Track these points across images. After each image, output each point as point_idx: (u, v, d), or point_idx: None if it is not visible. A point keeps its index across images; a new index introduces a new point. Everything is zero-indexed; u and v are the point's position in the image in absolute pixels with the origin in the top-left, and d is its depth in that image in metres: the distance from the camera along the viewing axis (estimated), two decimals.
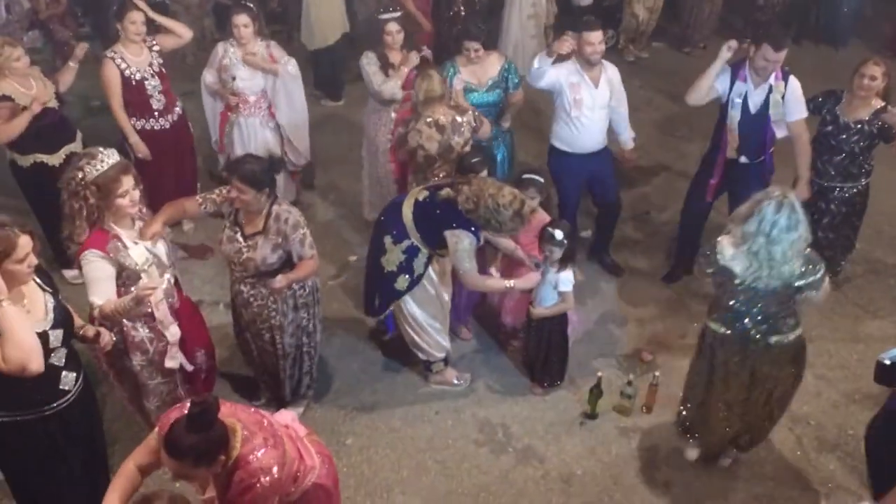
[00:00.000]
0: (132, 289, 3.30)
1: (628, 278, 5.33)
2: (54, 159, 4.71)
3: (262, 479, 2.48)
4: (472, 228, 3.82)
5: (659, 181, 6.33)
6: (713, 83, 4.54)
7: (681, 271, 5.22)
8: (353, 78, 5.23)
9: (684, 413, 3.94)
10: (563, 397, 4.42)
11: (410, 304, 4.11)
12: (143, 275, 3.33)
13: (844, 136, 4.61)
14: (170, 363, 3.55)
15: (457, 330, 4.71)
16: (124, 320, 3.38)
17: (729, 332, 3.51)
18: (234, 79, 5.17)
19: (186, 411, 2.38)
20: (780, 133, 4.64)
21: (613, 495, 3.89)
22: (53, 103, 4.65)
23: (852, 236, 5.06)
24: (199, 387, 3.82)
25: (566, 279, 4.10)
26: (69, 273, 5.05)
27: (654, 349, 4.72)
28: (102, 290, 3.23)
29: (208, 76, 5.32)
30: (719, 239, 3.40)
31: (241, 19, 5.03)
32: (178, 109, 5.22)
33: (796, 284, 3.30)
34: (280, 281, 3.61)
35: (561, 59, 4.67)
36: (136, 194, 3.29)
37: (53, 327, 2.92)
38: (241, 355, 4.24)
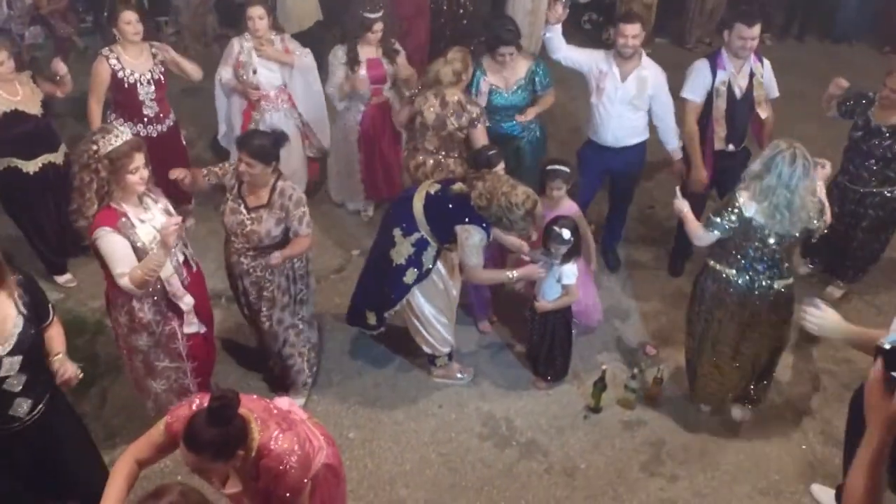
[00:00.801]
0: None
1: (632, 272, 5.31)
2: (30, 166, 4.60)
3: (290, 462, 2.49)
4: (484, 225, 3.80)
5: (662, 176, 6.27)
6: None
7: (682, 264, 5.20)
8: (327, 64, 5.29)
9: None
10: (567, 391, 4.40)
11: (418, 298, 4.08)
12: (150, 253, 3.32)
13: (876, 141, 4.45)
14: (188, 329, 3.60)
15: (478, 323, 4.77)
16: (133, 301, 3.41)
17: (737, 275, 3.73)
18: (254, 72, 5.09)
19: (206, 404, 2.36)
20: (763, 113, 4.66)
21: (618, 489, 3.87)
22: (36, 110, 4.52)
23: (882, 247, 4.92)
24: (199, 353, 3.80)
25: (569, 272, 4.08)
26: (62, 278, 5.05)
27: (658, 343, 4.70)
28: (122, 259, 3.25)
29: (224, 73, 5.19)
30: (738, 195, 3.59)
31: (257, 11, 4.97)
32: (169, 121, 5.04)
33: (811, 227, 3.57)
34: (277, 257, 3.67)
35: (554, 22, 4.63)
36: (146, 173, 3.31)
37: (11, 353, 2.82)
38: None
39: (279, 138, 3.72)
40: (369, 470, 3.94)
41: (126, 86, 4.78)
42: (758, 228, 3.57)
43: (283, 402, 2.93)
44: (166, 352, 3.62)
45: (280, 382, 4.28)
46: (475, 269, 3.91)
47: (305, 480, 2.60)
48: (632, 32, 4.51)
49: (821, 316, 2.85)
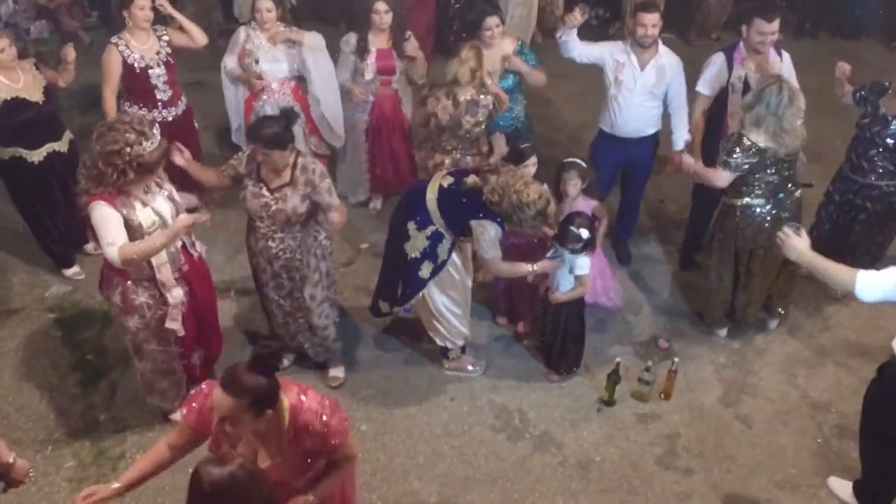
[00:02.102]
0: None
1: (643, 266, 5.28)
2: (34, 156, 4.58)
3: (325, 412, 2.51)
4: (498, 220, 3.78)
5: (670, 170, 6.25)
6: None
7: (694, 256, 5.17)
8: None
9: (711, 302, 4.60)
10: (580, 384, 4.37)
11: (433, 291, 4.05)
12: (146, 236, 3.30)
13: (879, 129, 4.42)
14: (170, 324, 3.55)
15: (497, 317, 4.76)
16: (128, 282, 3.40)
17: (761, 203, 4.16)
18: (257, 62, 5.07)
19: (253, 355, 2.36)
20: None
21: (633, 482, 3.83)
22: (38, 97, 4.48)
23: (886, 243, 4.85)
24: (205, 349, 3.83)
25: (583, 263, 4.04)
26: (69, 271, 5.01)
27: (670, 336, 4.66)
28: (113, 231, 3.22)
29: (229, 61, 5.19)
30: (743, 132, 4.00)
31: (265, 3, 4.97)
32: (182, 103, 5.08)
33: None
34: (339, 217, 3.69)
35: (571, 27, 4.59)
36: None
37: None
38: (267, 320, 4.27)
39: (290, 117, 3.70)
40: (382, 463, 3.90)
41: (137, 71, 4.79)
42: (770, 155, 3.98)
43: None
44: (156, 336, 3.61)
45: (311, 361, 4.31)
46: (494, 262, 3.89)
47: (348, 423, 2.62)
48: (651, 21, 4.48)
49: (792, 237, 3.14)
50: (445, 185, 3.90)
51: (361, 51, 5.06)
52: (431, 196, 3.89)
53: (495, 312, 4.77)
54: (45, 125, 4.59)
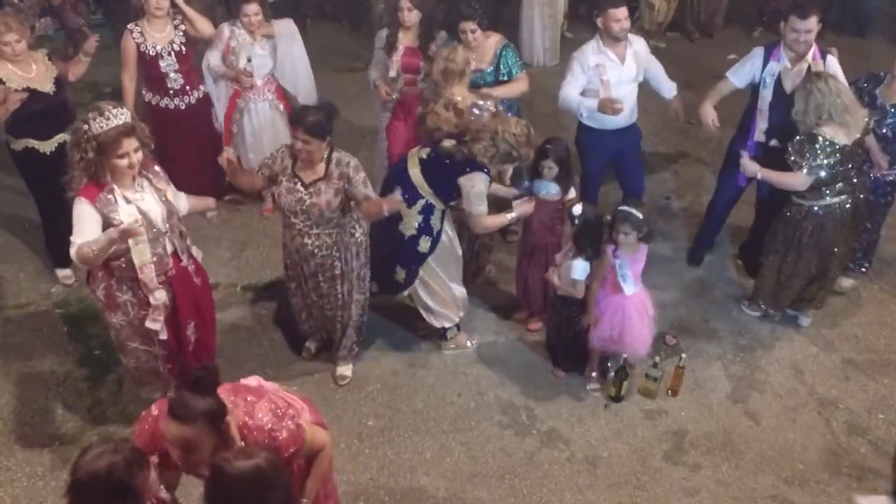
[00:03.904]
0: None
1: (650, 262, 5.20)
2: (46, 146, 4.56)
3: (275, 425, 2.51)
4: (486, 170, 3.93)
5: (677, 167, 6.26)
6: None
7: (703, 253, 5.16)
8: None
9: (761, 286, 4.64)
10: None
11: (433, 266, 4.14)
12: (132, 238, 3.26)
13: (878, 119, 4.41)
14: (149, 324, 3.52)
15: (515, 312, 4.76)
16: (112, 279, 3.38)
17: (844, 199, 4.19)
18: (249, 60, 5.08)
19: (189, 380, 2.36)
20: None
21: (641, 477, 3.82)
22: (49, 88, 4.47)
23: (875, 229, 4.83)
24: (189, 359, 3.76)
25: (578, 267, 3.96)
26: (62, 272, 4.97)
27: (677, 333, 4.65)
28: (83, 230, 3.21)
29: (213, 58, 5.17)
30: (819, 133, 4.00)
31: (253, 9, 5.00)
32: (198, 93, 5.10)
33: (868, 124, 4.14)
34: (392, 203, 3.78)
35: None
36: (138, 157, 3.25)
37: None
38: (294, 313, 4.31)
39: (331, 112, 3.75)
40: (389, 458, 3.89)
41: (148, 59, 4.85)
42: (842, 147, 4.00)
43: (251, 380, 2.88)
44: (138, 334, 3.59)
45: (335, 353, 4.32)
46: (481, 217, 4.00)
47: (301, 428, 2.58)
48: (624, 15, 4.54)
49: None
50: (424, 156, 4.02)
51: (390, 47, 5.03)
52: (415, 170, 3.99)
53: (511, 309, 4.76)
54: (56, 116, 4.57)
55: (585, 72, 4.64)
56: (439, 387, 4.29)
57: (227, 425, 2.42)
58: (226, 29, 5.14)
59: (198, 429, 2.32)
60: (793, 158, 4.06)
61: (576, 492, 3.75)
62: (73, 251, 3.21)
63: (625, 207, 3.90)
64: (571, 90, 4.66)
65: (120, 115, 3.20)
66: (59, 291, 4.90)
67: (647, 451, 3.95)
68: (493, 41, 4.86)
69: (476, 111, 4.27)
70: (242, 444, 2.45)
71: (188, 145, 5.13)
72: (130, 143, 3.20)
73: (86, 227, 3.20)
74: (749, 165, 4.21)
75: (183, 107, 5.03)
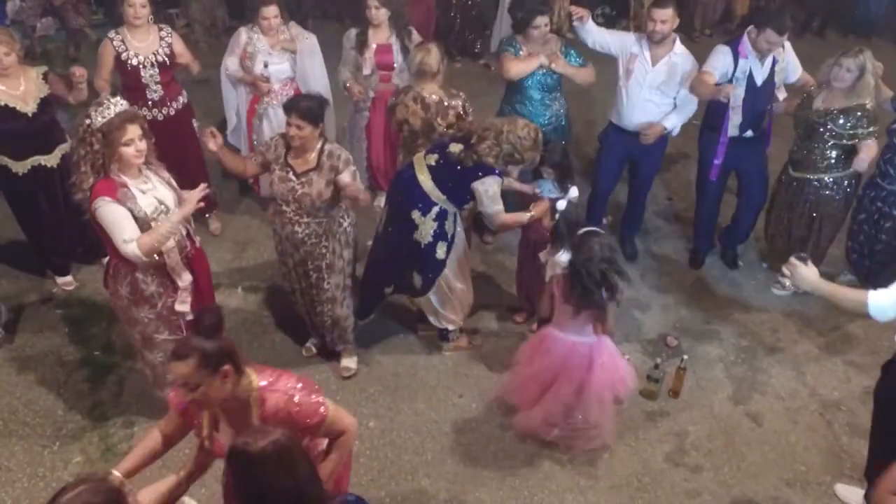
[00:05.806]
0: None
1: (651, 263, 5.27)
2: (18, 167, 4.41)
3: (296, 391, 2.55)
4: (497, 171, 3.95)
5: (679, 168, 6.26)
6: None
7: (704, 256, 5.15)
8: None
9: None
10: None
11: (447, 271, 4.16)
12: (152, 223, 3.29)
13: None
14: (179, 307, 3.56)
15: (516, 314, 4.77)
16: (137, 272, 3.40)
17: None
18: (266, 65, 5.06)
19: (193, 320, 2.52)
20: (781, 95, 4.71)
21: (642, 479, 3.82)
22: (30, 109, 4.27)
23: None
24: None
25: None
26: (62, 280, 4.93)
27: (679, 334, 4.64)
28: (127, 227, 3.23)
29: (230, 63, 5.15)
30: (865, 104, 4.28)
31: (271, 11, 4.97)
32: (177, 104, 4.90)
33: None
34: (365, 195, 3.86)
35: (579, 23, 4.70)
36: (143, 145, 3.28)
37: None
38: (293, 307, 4.33)
39: (322, 101, 3.83)
40: (390, 459, 3.89)
41: (129, 68, 4.69)
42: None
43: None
44: (166, 324, 3.61)
45: (330, 349, 4.36)
46: (498, 216, 4.01)
47: (323, 404, 2.60)
48: (660, 17, 4.47)
49: (800, 268, 3.04)
50: (433, 162, 3.99)
51: (360, 45, 5.07)
52: (424, 178, 3.97)
53: (512, 311, 4.76)
54: (32, 138, 4.38)
55: (619, 45, 4.68)
56: (441, 388, 4.28)
57: (243, 374, 2.50)
58: (243, 34, 5.11)
59: (193, 365, 2.38)
60: (870, 130, 4.28)
61: (577, 493, 3.74)
62: (133, 249, 3.21)
63: (593, 229, 3.73)
64: (602, 33, 4.74)
65: (119, 104, 3.26)
66: (60, 293, 4.90)
67: (649, 453, 3.95)
68: (554, 40, 4.90)
69: (443, 107, 4.37)
70: (261, 408, 2.52)
71: (167, 157, 4.99)
72: (135, 130, 3.24)
73: (128, 224, 3.24)
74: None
75: (161, 118, 4.80)
